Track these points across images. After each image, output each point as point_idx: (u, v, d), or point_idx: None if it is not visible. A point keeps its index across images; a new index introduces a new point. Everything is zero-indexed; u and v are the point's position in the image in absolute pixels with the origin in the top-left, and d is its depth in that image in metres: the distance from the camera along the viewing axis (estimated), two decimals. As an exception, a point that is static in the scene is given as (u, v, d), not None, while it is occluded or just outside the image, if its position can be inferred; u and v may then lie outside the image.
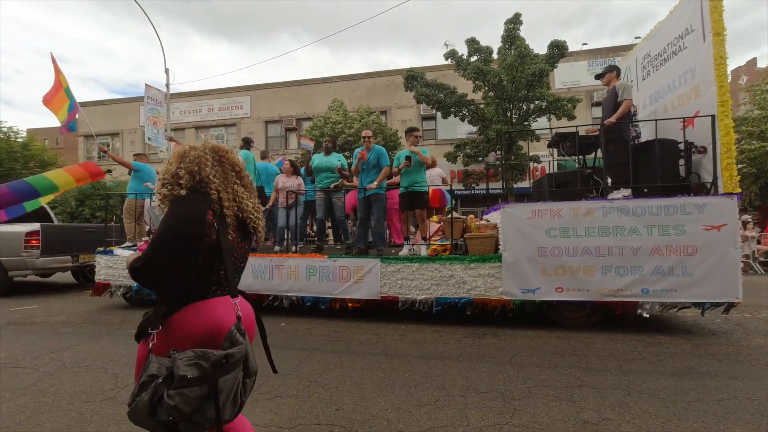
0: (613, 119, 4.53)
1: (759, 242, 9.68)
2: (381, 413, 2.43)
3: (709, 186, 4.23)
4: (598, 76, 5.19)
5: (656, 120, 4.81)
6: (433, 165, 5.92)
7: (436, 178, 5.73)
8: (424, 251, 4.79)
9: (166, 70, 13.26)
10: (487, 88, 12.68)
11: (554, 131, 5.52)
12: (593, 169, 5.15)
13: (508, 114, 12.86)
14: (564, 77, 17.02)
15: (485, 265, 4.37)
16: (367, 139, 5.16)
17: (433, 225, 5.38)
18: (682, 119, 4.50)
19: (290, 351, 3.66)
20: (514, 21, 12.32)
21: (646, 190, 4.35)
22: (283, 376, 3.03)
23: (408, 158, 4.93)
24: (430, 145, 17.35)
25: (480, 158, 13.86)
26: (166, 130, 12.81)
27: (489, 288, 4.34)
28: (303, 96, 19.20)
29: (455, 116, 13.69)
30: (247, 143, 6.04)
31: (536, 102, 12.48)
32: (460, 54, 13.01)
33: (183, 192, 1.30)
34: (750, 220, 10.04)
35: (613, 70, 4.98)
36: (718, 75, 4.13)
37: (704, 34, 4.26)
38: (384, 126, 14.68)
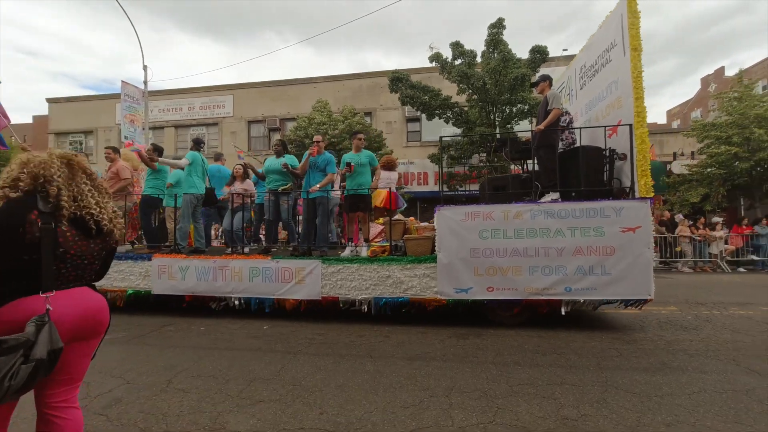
0: (541, 126, 4.77)
1: (726, 242, 10.16)
2: (366, 416, 2.43)
3: (627, 191, 4.45)
4: (533, 85, 5.41)
5: (581, 128, 5.08)
6: (391, 167, 5.96)
7: (393, 182, 5.85)
8: (365, 252, 4.93)
9: (144, 67, 12.88)
10: (470, 91, 12.85)
11: (497, 137, 5.75)
12: (530, 173, 5.33)
13: (492, 117, 13.07)
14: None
15: (421, 265, 4.50)
16: (317, 143, 5.31)
17: (378, 227, 5.47)
18: (604, 127, 4.76)
19: (274, 354, 3.61)
20: (498, 25, 12.53)
21: (573, 194, 4.55)
22: (266, 380, 2.99)
23: (348, 164, 5.12)
24: (415, 147, 17.45)
25: (464, 160, 14.03)
26: (143, 129, 12.43)
27: (424, 288, 4.46)
28: (287, 96, 18.97)
29: (440, 118, 13.81)
30: (197, 144, 5.96)
31: (518, 105, 12.72)
32: (444, 57, 13.14)
33: (15, 194, 1.41)
34: (720, 221, 10.51)
35: (546, 80, 5.22)
36: (635, 87, 4.33)
37: (624, 49, 4.48)
38: (369, 127, 14.68)
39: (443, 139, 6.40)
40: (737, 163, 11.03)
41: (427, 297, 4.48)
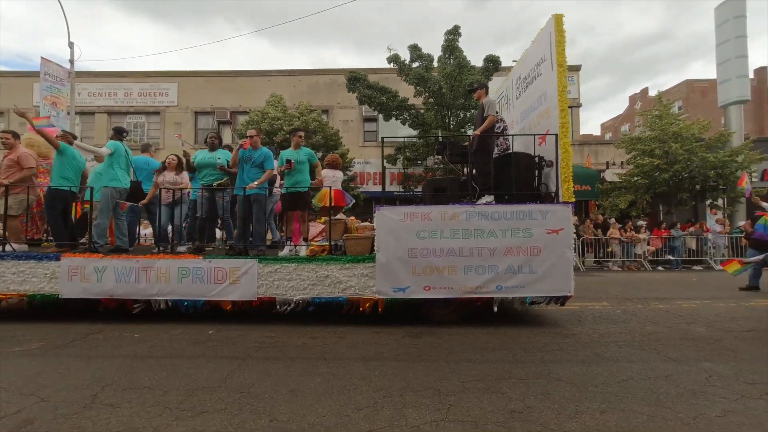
0: (477, 132, 5.03)
1: (648, 244, 11.36)
2: (319, 420, 2.35)
3: (553, 195, 4.81)
4: (471, 91, 5.68)
5: (513, 135, 5.44)
6: (335, 166, 5.90)
7: (339, 179, 5.81)
8: (303, 252, 4.89)
9: (71, 44, 11.54)
10: (427, 94, 13.14)
11: (438, 140, 5.96)
12: (467, 176, 5.52)
13: (447, 120, 13.46)
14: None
15: (360, 265, 4.54)
16: (251, 138, 5.13)
17: (318, 226, 5.47)
18: (534, 136, 5.13)
19: (219, 361, 3.38)
20: (454, 32, 12.95)
21: (507, 197, 4.80)
22: (210, 389, 2.78)
23: (288, 161, 5.00)
24: (372, 147, 17.46)
25: (419, 162, 14.29)
26: (68, 113, 11.13)
27: (363, 287, 4.50)
28: (239, 88, 18.05)
29: (396, 119, 13.96)
30: (118, 133, 5.46)
31: (472, 111, 13.23)
32: (402, 59, 13.31)
33: None
34: (643, 225, 11.72)
35: (483, 87, 5.45)
36: (560, 100, 4.64)
37: (552, 64, 4.78)
38: (325, 125, 14.41)
39: (386, 139, 6.31)
40: (658, 173, 12.37)
41: (365, 296, 4.50)
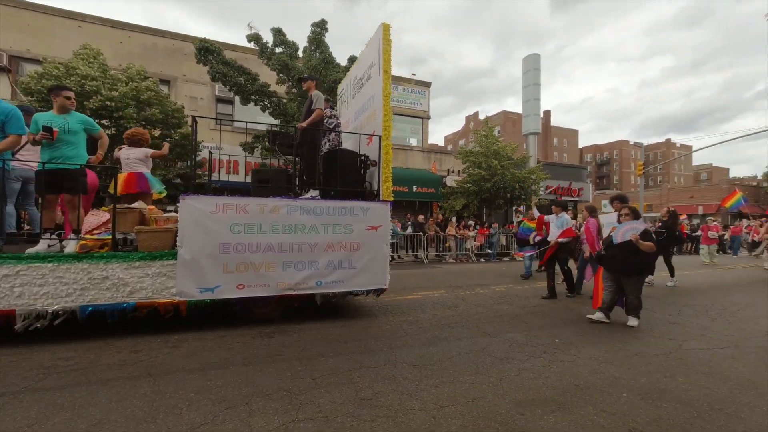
0: (304, 124, 5.05)
1: (475, 240, 13.80)
2: (132, 455, 1.88)
3: (375, 193, 5.08)
4: (301, 80, 5.79)
5: (341, 131, 5.70)
6: (138, 143, 5.07)
7: (133, 160, 4.96)
8: (72, 247, 3.86)
9: None
10: (291, 83, 12.60)
11: (270, 129, 5.92)
12: (296, 169, 5.46)
13: (310, 114, 13.22)
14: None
15: (155, 263, 3.87)
16: None
17: (103, 215, 4.52)
18: (359, 135, 5.41)
19: (-31, 401, 2.38)
20: (321, 26, 12.79)
21: (332, 192, 4.86)
22: (-56, 445, 1.91)
23: (48, 128, 3.74)
24: (225, 132, 15.68)
25: (277, 153, 13.61)
26: None
27: (159, 289, 3.87)
28: (28, 26, 13.33)
29: (255, 105, 12.91)
30: None
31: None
32: (264, 41, 12.38)
33: None
34: (472, 224, 14.18)
35: (314, 80, 5.53)
36: (384, 104, 4.87)
37: (379, 70, 4.98)
38: (165, 98, 12.10)
39: (198, 117, 5.02)
40: (483, 183, 15.17)
41: (161, 300, 3.84)
